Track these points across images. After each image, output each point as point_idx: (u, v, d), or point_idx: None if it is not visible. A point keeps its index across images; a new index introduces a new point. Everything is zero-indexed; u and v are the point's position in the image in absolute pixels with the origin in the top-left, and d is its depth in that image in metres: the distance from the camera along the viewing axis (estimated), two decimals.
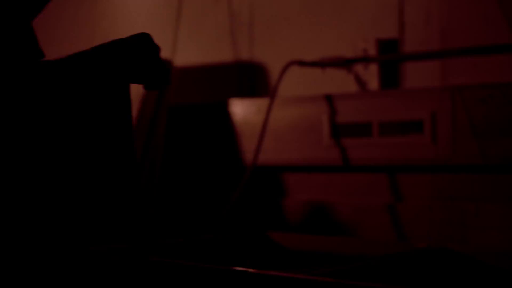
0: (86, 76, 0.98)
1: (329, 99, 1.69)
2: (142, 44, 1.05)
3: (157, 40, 2.06)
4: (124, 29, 2.23)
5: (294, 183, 1.78)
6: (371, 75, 1.74)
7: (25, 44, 0.91)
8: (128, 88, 1.07)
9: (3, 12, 0.89)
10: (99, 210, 0.98)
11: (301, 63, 1.78)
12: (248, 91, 1.96)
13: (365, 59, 1.73)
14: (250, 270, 0.93)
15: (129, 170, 1.02)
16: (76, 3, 2.36)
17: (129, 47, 1.03)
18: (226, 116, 1.86)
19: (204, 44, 2.06)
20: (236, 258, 1.29)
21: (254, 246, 1.32)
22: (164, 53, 2.04)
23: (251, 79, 1.97)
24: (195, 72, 2.06)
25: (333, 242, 1.32)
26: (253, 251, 1.32)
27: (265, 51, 1.95)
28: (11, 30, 0.90)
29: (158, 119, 1.86)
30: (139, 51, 1.03)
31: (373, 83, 1.73)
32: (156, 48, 1.05)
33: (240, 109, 1.84)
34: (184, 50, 2.06)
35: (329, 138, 1.69)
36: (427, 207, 1.57)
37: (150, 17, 2.17)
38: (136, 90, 1.84)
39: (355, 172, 1.68)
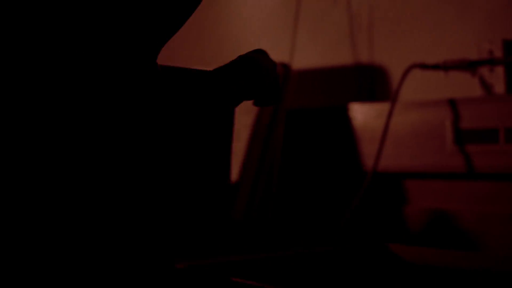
0: (203, 95, 0.97)
1: (452, 103, 1.63)
2: (258, 61, 1.02)
3: (274, 43, 2.05)
4: (241, 33, 2.23)
5: (415, 190, 1.73)
6: (497, 78, 1.67)
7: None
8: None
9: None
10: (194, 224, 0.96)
11: (423, 66, 1.72)
12: (368, 95, 1.92)
13: (490, 61, 1.66)
14: None
15: (224, 187, 1.01)
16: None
17: (246, 65, 1.00)
18: (345, 120, 1.82)
19: (322, 46, 2.02)
20: (354, 273, 1.26)
21: (373, 259, 1.28)
22: (282, 56, 2.02)
23: (370, 82, 1.92)
24: (313, 75, 2.03)
25: (455, 256, 1.27)
26: (372, 265, 1.28)
27: (385, 54, 1.90)
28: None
29: (276, 124, 1.84)
30: (255, 69, 1.00)
31: (499, 87, 1.66)
32: (274, 65, 1.03)
33: (360, 113, 1.80)
34: (302, 53, 2.04)
35: (452, 145, 1.63)
36: None
37: (268, 20, 2.15)
38: None
39: (479, 180, 1.61)
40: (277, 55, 2.09)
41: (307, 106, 1.99)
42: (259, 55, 1.05)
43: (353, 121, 1.81)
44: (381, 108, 1.75)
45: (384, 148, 1.72)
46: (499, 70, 1.66)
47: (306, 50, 2.04)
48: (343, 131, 1.82)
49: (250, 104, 1.87)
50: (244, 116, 1.80)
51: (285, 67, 1.84)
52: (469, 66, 1.69)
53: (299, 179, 1.91)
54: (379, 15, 1.91)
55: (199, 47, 2.36)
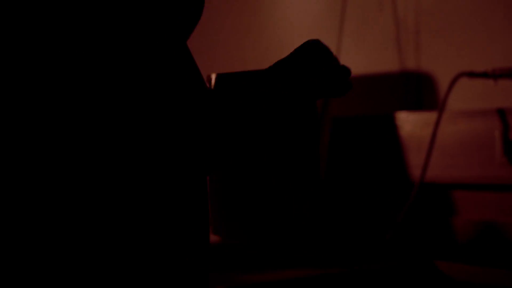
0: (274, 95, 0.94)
1: (501, 113, 1.59)
2: (316, 51, 0.98)
3: None
4: (286, 38, 2.21)
5: (463, 201, 1.69)
6: None
7: (181, 65, 0.88)
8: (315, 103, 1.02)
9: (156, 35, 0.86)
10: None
11: (471, 74, 1.68)
12: (414, 103, 1.88)
13: None
14: None
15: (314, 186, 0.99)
16: (239, 12, 2.35)
17: (307, 58, 0.96)
18: (392, 129, 1.79)
19: (367, 53, 1.99)
20: None
21: (421, 279, 1.25)
22: None
23: (417, 90, 1.89)
24: (358, 81, 2.00)
25: (504, 276, 1.24)
26: (420, 284, 1.25)
27: (432, 60, 1.86)
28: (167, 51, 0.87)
29: (322, 131, 1.82)
30: (316, 61, 0.96)
31: None
32: (330, 53, 0.99)
33: (407, 122, 1.77)
34: (347, 59, 2.01)
35: (501, 156, 1.59)
36: None
37: (313, 25, 2.13)
38: None
39: None
40: None
41: (352, 113, 1.96)
42: (317, 42, 1.00)
43: (399, 130, 1.78)
44: (428, 117, 1.72)
45: (431, 158, 1.69)
46: None
47: (351, 56, 2.01)
48: (390, 140, 1.79)
49: None
50: None
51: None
52: None
53: (344, 189, 1.89)
54: (426, 20, 1.87)
55: (245, 52, 2.35)
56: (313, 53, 0.98)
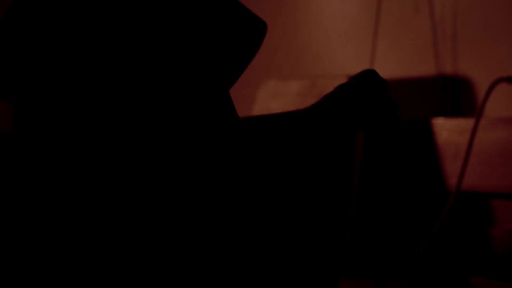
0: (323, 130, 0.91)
1: None
2: (371, 83, 0.93)
3: (354, 52, 1.98)
4: (320, 42, 2.16)
5: (502, 211, 1.64)
6: None
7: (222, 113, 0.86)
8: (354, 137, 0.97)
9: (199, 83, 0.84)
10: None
11: (511, 80, 1.63)
12: (452, 109, 1.83)
13: None
14: None
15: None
16: (273, 13, 2.31)
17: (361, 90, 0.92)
18: (428, 136, 1.74)
19: (403, 56, 1.94)
20: None
21: None
22: (362, 67, 1.95)
23: (454, 95, 1.84)
24: (393, 86, 1.95)
25: None
26: None
27: (470, 65, 1.81)
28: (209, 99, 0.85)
29: (356, 138, 1.77)
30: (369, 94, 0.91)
31: None
32: (386, 85, 0.93)
33: (443, 129, 1.72)
34: (382, 63, 1.96)
35: None
36: None
37: (348, 29, 2.08)
38: None
39: None
40: (357, 65, 2.02)
41: None
42: (372, 73, 0.95)
43: (436, 136, 1.73)
44: (465, 123, 1.67)
45: (468, 166, 1.63)
46: None
47: (386, 60, 1.96)
48: (426, 147, 1.74)
49: None
50: None
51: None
52: None
53: (377, 197, 1.84)
54: (464, 23, 1.82)
55: (278, 57, 2.31)
56: (370, 87, 0.93)
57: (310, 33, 2.19)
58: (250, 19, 0.88)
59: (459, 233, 1.69)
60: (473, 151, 1.63)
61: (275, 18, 2.31)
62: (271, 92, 1.92)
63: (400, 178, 1.82)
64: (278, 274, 0.89)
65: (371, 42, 1.97)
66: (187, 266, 0.84)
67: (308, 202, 0.92)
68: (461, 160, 1.64)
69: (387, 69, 1.96)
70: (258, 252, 0.88)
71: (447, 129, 1.71)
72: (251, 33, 0.89)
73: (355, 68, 2.02)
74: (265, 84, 1.94)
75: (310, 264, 0.92)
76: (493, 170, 1.62)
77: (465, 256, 1.66)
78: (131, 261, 0.82)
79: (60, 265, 0.82)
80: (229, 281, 0.86)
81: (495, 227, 1.64)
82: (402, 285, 1.22)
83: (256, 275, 0.88)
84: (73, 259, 0.82)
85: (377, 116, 0.91)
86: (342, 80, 1.79)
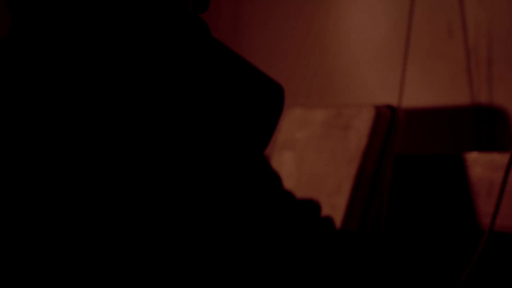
0: None
1: None
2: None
3: (383, 77, 1.87)
4: (349, 66, 2.07)
5: None
6: None
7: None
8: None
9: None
10: None
11: None
12: (486, 141, 1.72)
13: None
14: None
15: None
16: (300, 40, 2.22)
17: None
18: (460, 171, 1.63)
19: (434, 84, 1.83)
20: None
21: None
22: (390, 94, 1.85)
23: (489, 126, 1.72)
24: (424, 115, 1.84)
25: None
26: None
27: (506, 94, 1.69)
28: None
29: (383, 171, 1.67)
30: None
31: None
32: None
33: (476, 164, 1.61)
34: (412, 91, 1.85)
35: None
36: None
37: (377, 53, 1.98)
38: (360, 133, 1.66)
39: None
40: (385, 93, 1.91)
41: (416, 151, 1.81)
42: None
43: (468, 171, 1.62)
44: (500, 159, 1.56)
45: (502, 205, 1.52)
46: None
47: (416, 87, 1.86)
48: (457, 183, 1.63)
49: (351, 152, 1.70)
50: (346, 166, 1.64)
51: (392, 110, 1.66)
52: None
53: (405, 232, 1.74)
54: (500, 49, 1.71)
55: (304, 83, 2.21)
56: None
57: (337, 59, 2.09)
58: (267, 85, 0.88)
59: (493, 274, 1.59)
60: (507, 189, 1.52)
61: (302, 45, 2.22)
62: (295, 121, 1.85)
63: (429, 213, 1.72)
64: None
65: (400, 68, 1.86)
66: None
67: None
68: (495, 198, 1.54)
69: (417, 97, 1.85)
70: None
71: (481, 165, 1.60)
72: (269, 100, 0.88)
73: (383, 96, 1.92)
74: (290, 112, 1.86)
75: None
76: None
77: None
78: (131, 261, 0.81)
79: (60, 265, 0.81)
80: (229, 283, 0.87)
81: None
82: None
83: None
84: (73, 259, 0.81)
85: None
86: (368, 110, 1.69)
